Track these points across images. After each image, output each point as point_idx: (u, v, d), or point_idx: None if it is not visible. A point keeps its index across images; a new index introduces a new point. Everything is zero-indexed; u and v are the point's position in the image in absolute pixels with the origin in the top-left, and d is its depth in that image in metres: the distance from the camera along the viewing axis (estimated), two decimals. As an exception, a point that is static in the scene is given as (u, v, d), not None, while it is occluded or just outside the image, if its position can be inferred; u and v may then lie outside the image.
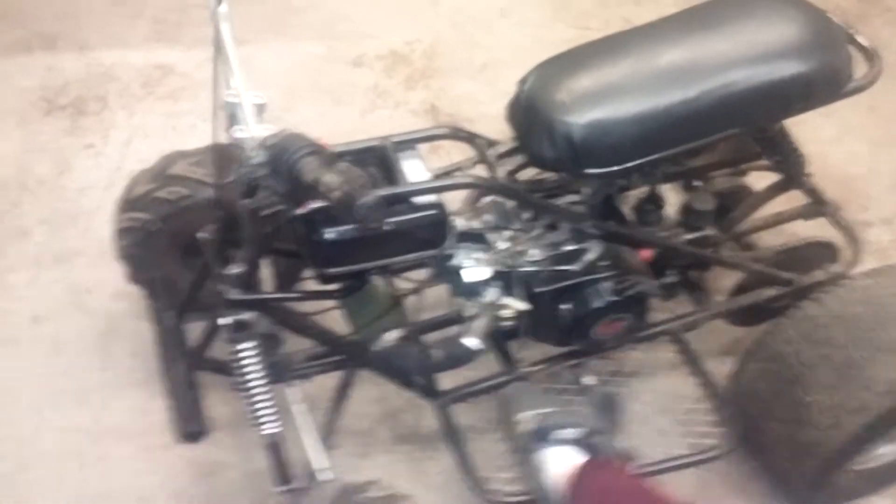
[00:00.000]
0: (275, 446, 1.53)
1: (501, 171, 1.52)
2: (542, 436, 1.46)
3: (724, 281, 1.93)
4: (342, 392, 1.71)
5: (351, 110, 2.60)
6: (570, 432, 1.44)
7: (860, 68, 1.59)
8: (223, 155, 1.28)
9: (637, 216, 1.68)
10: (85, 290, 2.17)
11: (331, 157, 1.16)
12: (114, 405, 1.95)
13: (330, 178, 1.09)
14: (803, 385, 1.49)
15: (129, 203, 1.84)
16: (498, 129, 1.69)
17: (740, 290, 1.78)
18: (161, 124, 2.58)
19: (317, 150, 1.15)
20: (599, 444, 1.43)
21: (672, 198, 1.75)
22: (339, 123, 2.52)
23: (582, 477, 1.28)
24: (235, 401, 1.88)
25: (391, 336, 1.56)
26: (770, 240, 1.90)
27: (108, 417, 1.94)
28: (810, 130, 1.91)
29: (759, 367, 1.59)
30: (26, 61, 2.72)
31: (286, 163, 1.15)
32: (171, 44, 2.81)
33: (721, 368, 1.77)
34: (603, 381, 1.76)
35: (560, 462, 1.41)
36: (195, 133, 2.52)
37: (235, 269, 1.41)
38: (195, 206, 1.76)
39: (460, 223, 1.52)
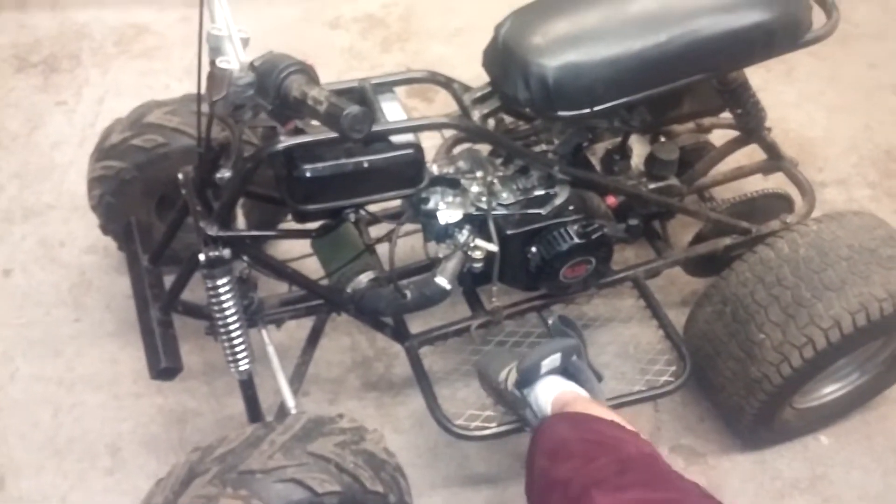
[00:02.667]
0: (248, 383, 1.56)
1: (476, 115, 1.56)
2: (527, 378, 1.51)
3: (684, 236, 2.00)
4: (313, 338, 1.75)
5: (327, 72, 2.58)
6: (550, 361, 1.50)
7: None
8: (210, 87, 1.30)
9: (604, 166, 1.74)
10: (58, 244, 2.18)
11: (316, 76, 1.20)
12: (87, 355, 1.97)
13: (317, 92, 1.13)
14: (756, 323, 1.57)
15: (104, 151, 1.84)
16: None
17: (699, 239, 1.85)
18: (135, 82, 2.59)
19: (303, 68, 1.19)
20: (577, 364, 1.49)
21: (638, 150, 1.81)
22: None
23: (539, 431, 1.32)
24: (207, 349, 1.93)
25: (364, 277, 1.60)
26: (730, 195, 1.97)
27: (81, 367, 1.96)
28: (772, 95, 1.99)
29: (716, 308, 1.66)
30: (-3, 19, 2.72)
31: (274, 81, 1.18)
32: (146, 3, 2.81)
33: (680, 318, 1.84)
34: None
35: (550, 392, 1.48)
36: (169, 92, 2.53)
37: (215, 206, 1.43)
38: (171, 154, 1.78)
39: (435, 169, 1.57)
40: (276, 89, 1.18)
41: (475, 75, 1.69)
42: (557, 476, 1.15)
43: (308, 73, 1.20)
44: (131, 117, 1.85)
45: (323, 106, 1.11)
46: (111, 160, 1.82)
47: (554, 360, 1.50)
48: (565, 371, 1.52)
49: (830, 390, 1.78)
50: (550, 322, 1.62)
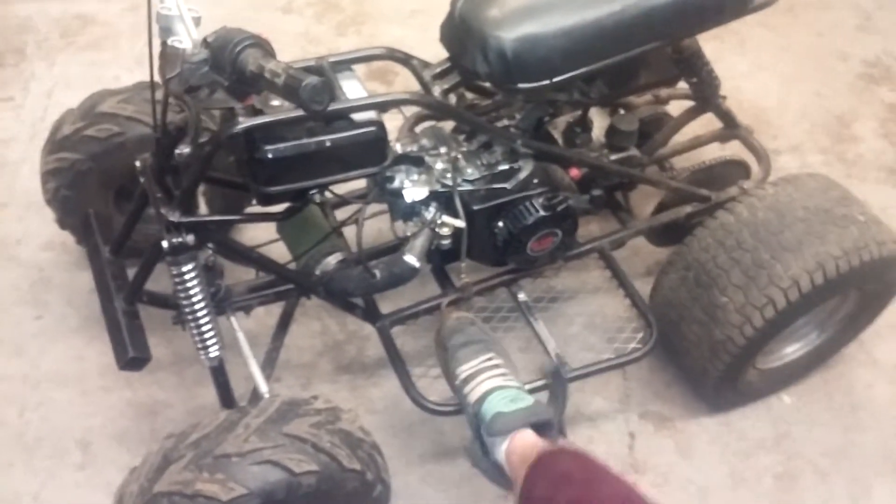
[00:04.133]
0: (219, 369, 1.55)
1: (437, 91, 1.56)
2: (494, 431, 1.42)
3: (646, 206, 2.03)
4: (283, 323, 1.73)
5: (282, 57, 2.57)
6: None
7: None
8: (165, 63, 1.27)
9: (566, 139, 1.75)
10: (14, 242, 2.14)
11: (272, 50, 1.18)
12: (51, 352, 1.94)
13: (274, 65, 1.11)
14: (719, 287, 1.60)
15: (57, 143, 1.80)
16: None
17: (661, 208, 1.88)
18: (83, 74, 2.53)
19: (259, 41, 1.18)
20: (549, 424, 1.43)
21: (599, 123, 1.83)
22: (269, 70, 2.53)
23: (539, 460, 1.28)
24: (175, 340, 1.91)
25: (333, 259, 1.60)
26: (688, 164, 2.00)
27: (46, 364, 1.92)
28: (726, 66, 2.02)
29: (679, 274, 1.69)
30: (-64, 15, 2.64)
31: (229, 55, 1.16)
32: (90, -8, 2.75)
33: (646, 288, 1.87)
34: (536, 298, 1.85)
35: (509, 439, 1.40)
36: (119, 82, 2.43)
37: (176, 192, 1.41)
38: (127, 143, 1.75)
39: (398, 147, 1.56)
40: (231, 64, 1.17)
41: (433, 55, 1.68)
42: (561, 502, 1.16)
43: (264, 46, 1.19)
44: (83, 107, 1.81)
45: (281, 78, 1.10)
46: (65, 152, 1.79)
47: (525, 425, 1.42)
48: (534, 425, 1.43)
49: (791, 350, 1.83)
50: (546, 368, 1.55)
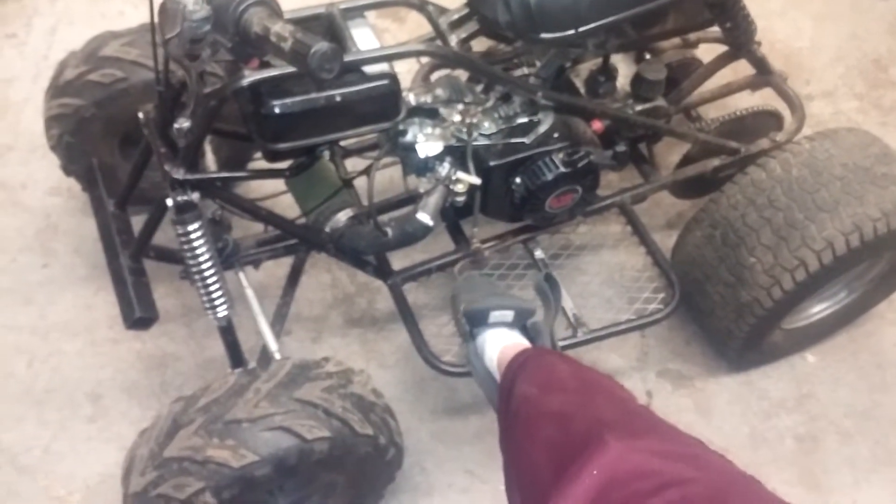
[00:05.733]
0: (227, 329, 1.51)
1: (454, 41, 1.47)
2: (477, 319, 1.45)
3: (670, 157, 1.95)
4: (293, 278, 1.69)
5: (289, -8, 2.49)
6: (504, 314, 1.43)
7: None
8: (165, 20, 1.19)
9: (588, 89, 1.66)
10: (19, 187, 2.09)
11: (278, 8, 1.10)
12: (59, 302, 1.92)
13: (281, 27, 1.03)
14: (747, 247, 1.54)
15: (60, 88, 1.74)
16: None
17: (687, 161, 1.80)
18: (86, 10, 2.45)
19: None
20: (538, 327, 1.42)
21: (624, 70, 1.73)
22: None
23: (528, 358, 1.27)
24: (183, 291, 1.88)
25: (343, 216, 1.54)
26: (716, 112, 1.91)
27: (54, 314, 1.90)
28: (758, 4, 1.89)
29: (705, 232, 1.63)
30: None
31: (232, 15, 1.08)
32: (92, -77, 2.62)
33: (667, 241, 1.81)
34: (553, 255, 1.79)
35: (498, 343, 1.41)
36: (123, 19, 2.40)
37: (181, 146, 1.35)
38: (131, 89, 1.69)
39: (412, 99, 1.48)
40: (234, 24, 1.09)
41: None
42: (551, 408, 1.10)
43: (269, 5, 1.10)
44: (86, 50, 1.74)
45: (288, 43, 1.02)
46: (68, 97, 1.73)
47: (506, 315, 1.43)
48: (524, 328, 1.46)
49: (818, 310, 1.77)
50: (534, 278, 1.52)
